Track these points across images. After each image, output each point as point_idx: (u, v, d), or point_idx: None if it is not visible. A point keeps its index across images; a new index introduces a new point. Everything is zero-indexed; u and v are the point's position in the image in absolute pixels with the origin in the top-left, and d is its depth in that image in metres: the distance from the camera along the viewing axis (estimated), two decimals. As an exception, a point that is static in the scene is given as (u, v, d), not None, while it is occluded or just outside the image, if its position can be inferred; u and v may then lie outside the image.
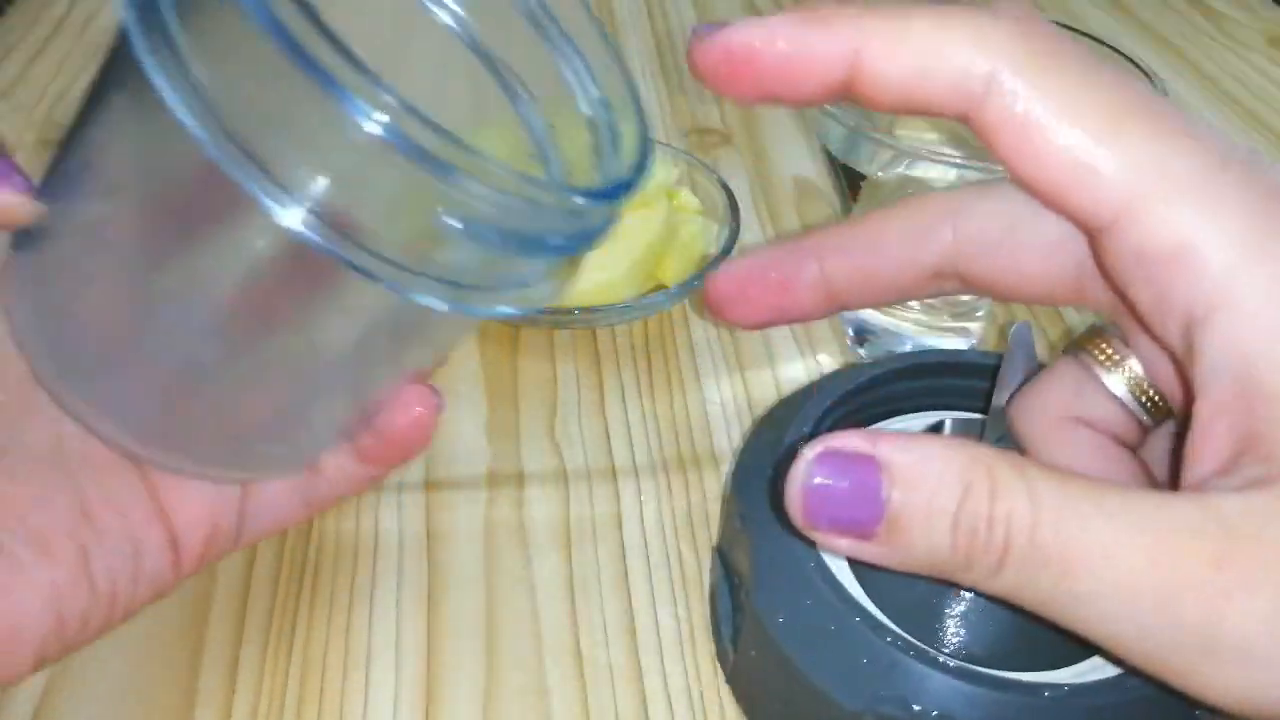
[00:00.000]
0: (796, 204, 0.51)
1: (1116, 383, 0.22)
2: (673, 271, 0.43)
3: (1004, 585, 0.18)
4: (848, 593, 0.25)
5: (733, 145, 0.55)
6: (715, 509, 0.37)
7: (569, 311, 0.40)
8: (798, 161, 0.54)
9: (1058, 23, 0.22)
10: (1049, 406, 0.23)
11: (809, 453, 0.18)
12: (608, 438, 0.39)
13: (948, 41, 0.19)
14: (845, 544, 0.18)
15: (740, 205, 0.52)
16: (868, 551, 0.18)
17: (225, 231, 0.21)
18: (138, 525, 0.26)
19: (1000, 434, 0.26)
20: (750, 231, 0.49)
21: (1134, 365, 0.22)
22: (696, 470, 0.38)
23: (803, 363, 0.43)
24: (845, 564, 0.28)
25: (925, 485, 0.18)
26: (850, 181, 0.38)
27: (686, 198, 0.46)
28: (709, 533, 0.36)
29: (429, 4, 0.26)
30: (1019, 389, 0.26)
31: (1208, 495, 0.17)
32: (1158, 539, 0.17)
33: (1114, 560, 0.17)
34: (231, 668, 0.32)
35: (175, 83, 0.18)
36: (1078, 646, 0.26)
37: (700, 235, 0.45)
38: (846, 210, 0.40)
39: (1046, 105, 0.18)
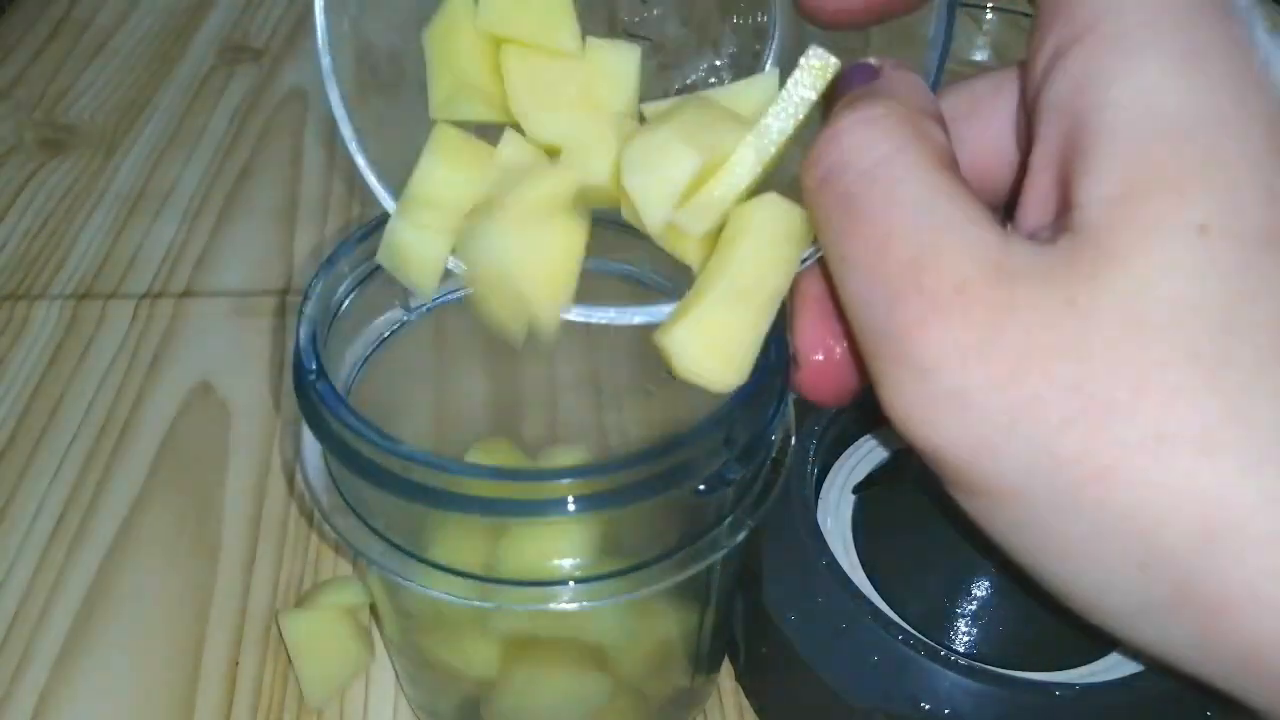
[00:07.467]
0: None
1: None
2: None
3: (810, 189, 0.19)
4: (859, 590, 0.25)
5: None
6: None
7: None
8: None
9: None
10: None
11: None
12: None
13: None
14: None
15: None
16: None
17: None
18: None
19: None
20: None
21: None
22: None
23: (806, 364, 0.42)
24: (857, 562, 0.28)
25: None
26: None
27: None
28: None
29: None
30: None
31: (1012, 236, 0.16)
32: (949, 226, 0.16)
33: (897, 206, 0.17)
34: (231, 667, 0.32)
35: None
36: (1089, 647, 0.26)
37: None
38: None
39: None
